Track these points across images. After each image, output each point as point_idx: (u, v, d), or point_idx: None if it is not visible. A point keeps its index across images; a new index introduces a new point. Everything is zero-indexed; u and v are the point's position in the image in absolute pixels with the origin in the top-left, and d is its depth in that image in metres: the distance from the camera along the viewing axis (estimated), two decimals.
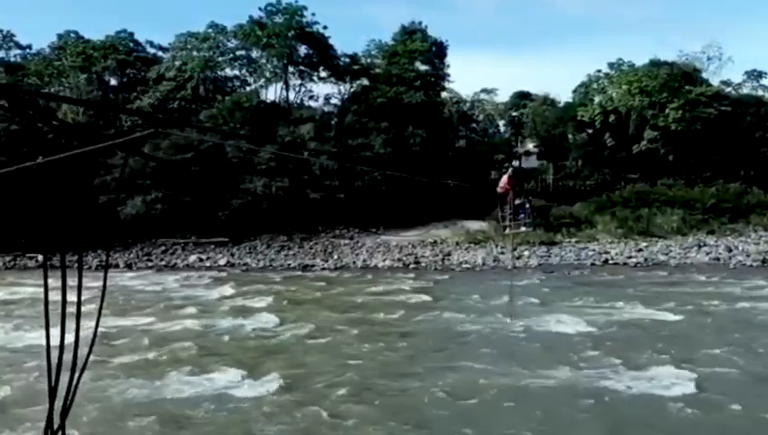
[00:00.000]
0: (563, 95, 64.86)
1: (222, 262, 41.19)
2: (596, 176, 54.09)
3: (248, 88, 56.27)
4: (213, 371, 16.68)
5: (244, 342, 20.55)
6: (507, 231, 17.15)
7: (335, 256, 41.23)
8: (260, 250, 43.26)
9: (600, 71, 58.70)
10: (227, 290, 30.78)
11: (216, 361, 17.82)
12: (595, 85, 58.93)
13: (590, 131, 58.15)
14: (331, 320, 23.30)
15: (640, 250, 38.97)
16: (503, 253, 37.60)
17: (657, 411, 13.27)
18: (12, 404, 14.41)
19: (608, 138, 56.62)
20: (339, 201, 45.17)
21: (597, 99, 57.35)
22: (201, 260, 41.68)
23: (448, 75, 59.30)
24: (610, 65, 57.76)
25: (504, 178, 16.93)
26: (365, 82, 56.12)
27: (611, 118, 55.25)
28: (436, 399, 14.34)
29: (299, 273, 37.52)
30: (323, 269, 38.65)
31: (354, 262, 39.93)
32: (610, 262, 37.12)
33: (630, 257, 37.64)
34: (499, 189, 16.70)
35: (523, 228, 17.40)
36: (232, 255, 42.47)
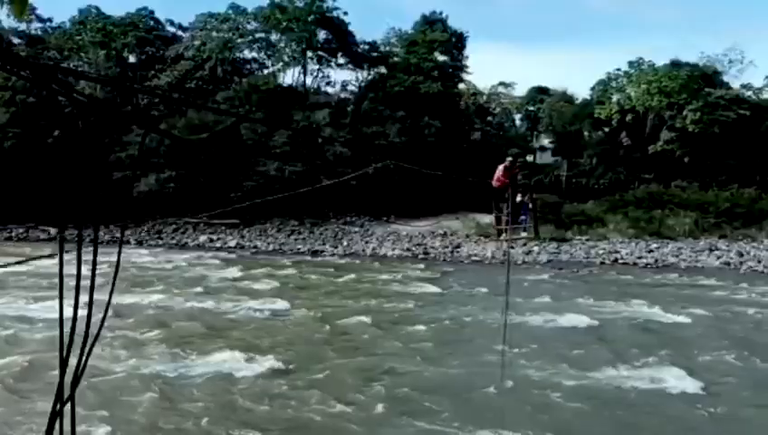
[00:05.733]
0: (581, 92, 64.57)
1: (232, 243, 41.35)
2: (610, 175, 53.81)
3: (266, 71, 56.26)
4: (217, 351, 16.83)
5: (249, 324, 20.69)
6: (503, 236, 13.56)
7: (345, 243, 41.27)
8: (270, 233, 43.38)
9: (619, 69, 58.25)
10: (236, 272, 30.95)
11: (220, 341, 17.97)
12: (614, 83, 58.43)
13: (606, 130, 57.80)
14: (337, 306, 23.41)
15: (651, 251, 38.75)
16: (513, 247, 37.55)
17: (658, 412, 13.27)
18: (24, 374, 14.62)
19: (624, 137, 56.30)
20: (351, 188, 45.15)
21: (615, 97, 56.89)
22: (211, 241, 41.87)
23: (467, 67, 59.18)
24: (630, 64, 57.30)
25: (500, 169, 13.50)
26: (383, 70, 55.99)
27: (629, 117, 54.88)
28: (435, 388, 14.40)
29: (308, 258, 37.62)
30: (332, 255, 38.72)
31: (363, 250, 39.96)
32: (620, 261, 36.94)
33: (640, 258, 37.43)
34: (495, 182, 13.38)
35: (523, 233, 14.56)
36: (242, 237, 42.62)
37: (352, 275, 30.58)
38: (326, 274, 31.25)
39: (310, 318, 21.24)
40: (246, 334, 19.05)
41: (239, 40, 54.91)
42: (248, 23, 55.28)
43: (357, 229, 44.26)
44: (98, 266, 1.88)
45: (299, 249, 40.07)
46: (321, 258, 37.74)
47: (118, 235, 38.73)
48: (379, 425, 12.58)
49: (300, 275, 30.76)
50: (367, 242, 41.47)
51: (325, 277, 30.27)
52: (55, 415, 1.71)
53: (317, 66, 56.65)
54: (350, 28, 55.24)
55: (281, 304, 23.12)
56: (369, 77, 56.99)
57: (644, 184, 51.42)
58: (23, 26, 55.53)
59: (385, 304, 23.76)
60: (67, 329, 1.72)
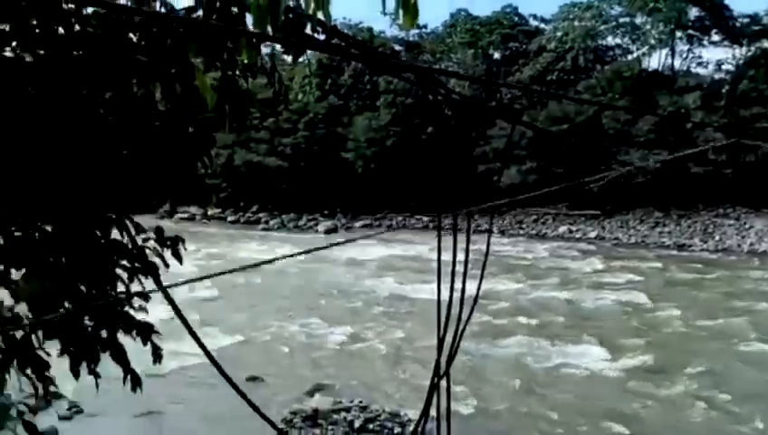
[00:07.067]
0: None
1: (592, 235, 40.81)
2: None
3: (629, 56, 54.14)
4: (576, 343, 16.86)
5: (610, 317, 20.28)
6: None
7: (716, 237, 37.84)
8: (632, 225, 41.82)
9: None
10: (596, 263, 30.51)
11: (579, 333, 17.94)
12: None
13: None
14: (706, 306, 21.64)
15: None
16: None
17: None
18: (406, 348, 16.37)
19: None
20: (724, 177, 41.20)
21: None
22: (571, 232, 41.87)
23: None
24: None
25: None
26: (765, 44, 49.82)
27: None
28: None
29: (673, 252, 35.34)
30: (702, 250, 35.77)
31: (739, 245, 36.17)
32: None
33: None
34: None
35: None
36: (602, 228, 41.82)
37: (725, 273, 27.95)
38: (694, 270, 29.01)
39: (675, 317, 19.98)
40: (606, 329, 18.69)
41: (602, 27, 53.80)
42: (611, 8, 53.90)
43: (731, 222, 40.18)
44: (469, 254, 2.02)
45: (663, 242, 37.86)
46: (689, 253, 35.12)
47: (480, 224, 40.96)
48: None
49: (664, 270, 29.07)
50: (743, 237, 37.44)
51: (693, 274, 28.14)
52: (433, 387, 1.89)
53: (687, 46, 52.78)
54: (726, 1, 50.27)
55: (643, 300, 22.21)
56: (749, 54, 51.12)
57: None
58: (402, 33, 61.59)
59: (764, 308, 21.24)
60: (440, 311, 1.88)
